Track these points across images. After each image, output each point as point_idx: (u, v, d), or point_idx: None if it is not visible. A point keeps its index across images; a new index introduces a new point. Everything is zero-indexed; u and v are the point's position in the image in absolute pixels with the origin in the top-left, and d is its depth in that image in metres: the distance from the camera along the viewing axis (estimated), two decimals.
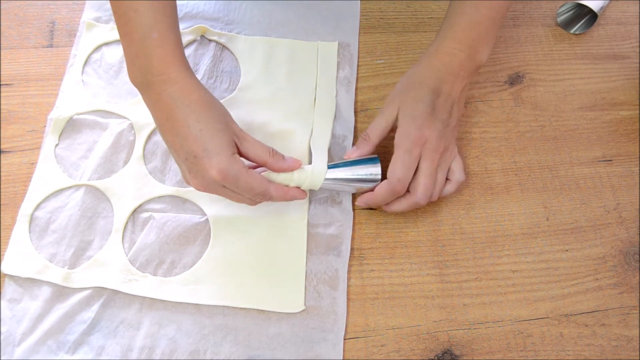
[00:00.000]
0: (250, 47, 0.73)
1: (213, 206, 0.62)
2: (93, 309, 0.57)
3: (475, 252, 0.62)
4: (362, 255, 0.61)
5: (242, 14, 0.75)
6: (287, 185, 0.57)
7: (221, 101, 0.60)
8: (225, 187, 0.53)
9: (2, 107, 0.67)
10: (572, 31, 0.77)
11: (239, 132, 0.55)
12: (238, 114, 0.62)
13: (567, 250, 0.63)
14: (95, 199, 0.62)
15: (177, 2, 0.64)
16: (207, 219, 0.62)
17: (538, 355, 0.58)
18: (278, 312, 0.58)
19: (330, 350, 0.56)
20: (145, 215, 0.62)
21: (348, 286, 0.60)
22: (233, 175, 0.51)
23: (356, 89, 0.71)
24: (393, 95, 0.62)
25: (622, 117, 0.72)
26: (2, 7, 0.74)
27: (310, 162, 0.64)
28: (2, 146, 0.65)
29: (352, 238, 0.62)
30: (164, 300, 0.58)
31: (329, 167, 0.58)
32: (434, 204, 0.64)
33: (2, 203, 0.62)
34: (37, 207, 0.61)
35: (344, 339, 0.57)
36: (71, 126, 0.66)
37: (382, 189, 0.58)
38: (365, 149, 0.60)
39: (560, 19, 0.78)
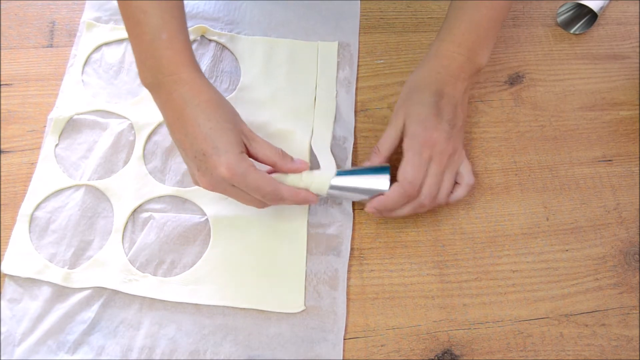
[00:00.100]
0: (250, 47, 0.73)
1: (213, 206, 0.62)
2: (93, 309, 0.57)
3: (475, 252, 0.62)
4: (362, 255, 0.61)
5: (242, 14, 0.75)
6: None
7: None
8: (234, 187, 0.53)
9: (2, 107, 0.67)
10: (572, 31, 0.77)
11: (248, 132, 0.55)
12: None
13: (567, 250, 0.63)
14: (95, 199, 0.62)
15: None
16: (207, 219, 0.62)
17: (538, 355, 0.58)
18: (278, 312, 0.58)
19: (330, 350, 0.56)
20: (145, 215, 0.62)
21: (348, 286, 0.60)
22: (241, 173, 0.51)
23: (356, 89, 0.71)
24: (398, 104, 0.62)
25: (622, 117, 0.72)
26: (2, 7, 0.74)
27: (311, 163, 0.64)
28: (2, 146, 0.65)
29: (352, 238, 0.62)
30: (164, 300, 0.58)
31: (338, 173, 0.58)
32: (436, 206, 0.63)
33: (2, 203, 0.62)
34: (37, 207, 0.61)
35: (344, 339, 0.57)
36: (71, 126, 0.66)
37: (393, 192, 0.56)
38: (376, 162, 0.59)
39: (560, 19, 0.78)
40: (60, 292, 0.58)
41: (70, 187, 0.63)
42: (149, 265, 0.59)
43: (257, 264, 0.60)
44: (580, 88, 0.73)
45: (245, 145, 0.54)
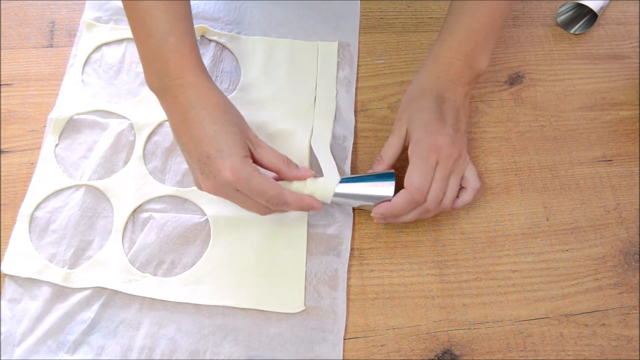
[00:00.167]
0: (251, 47, 0.73)
1: (213, 206, 0.62)
2: (93, 309, 0.57)
3: (475, 252, 0.62)
4: (362, 255, 0.61)
5: (242, 14, 0.75)
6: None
7: None
8: (238, 191, 0.52)
9: (2, 107, 0.67)
10: (572, 31, 0.77)
11: (254, 138, 0.55)
12: None
13: (567, 250, 0.63)
14: (95, 199, 0.62)
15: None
16: (207, 219, 0.62)
17: (538, 355, 0.58)
18: (278, 312, 0.58)
19: (330, 350, 0.56)
20: (145, 215, 0.62)
21: (348, 286, 0.60)
22: (245, 177, 0.51)
23: (356, 89, 0.71)
24: (400, 112, 0.61)
25: (622, 117, 0.72)
26: (2, 7, 0.74)
27: (311, 164, 0.64)
28: (2, 146, 0.65)
29: (352, 238, 0.62)
30: (164, 301, 0.58)
31: (342, 180, 0.58)
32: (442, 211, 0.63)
33: (2, 203, 0.62)
34: (37, 207, 0.61)
35: (344, 339, 0.57)
36: (71, 126, 0.66)
37: (400, 198, 0.56)
38: (377, 170, 0.59)
39: (560, 19, 0.78)
40: (60, 292, 0.57)
41: (70, 187, 0.63)
42: (149, 265, 0.59)
43: (257, 264, 0.60)
44: (580, 88, 0.73)
45: (250, 151, 0.53)
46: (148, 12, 0.52)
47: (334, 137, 0.67)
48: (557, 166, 0.68)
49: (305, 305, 0.58)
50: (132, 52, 0.71)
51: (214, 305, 0.58)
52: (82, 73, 0.70)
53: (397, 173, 0.58)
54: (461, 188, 0.60)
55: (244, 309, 0.58)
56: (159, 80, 0.54)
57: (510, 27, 0.77)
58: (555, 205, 0.65)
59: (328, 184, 0.57)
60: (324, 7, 0.76)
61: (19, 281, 0.58)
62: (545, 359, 0.57)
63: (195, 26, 0.71)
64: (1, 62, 0.70)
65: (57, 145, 0.65)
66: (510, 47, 0.76)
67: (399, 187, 0.57)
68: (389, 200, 0.57)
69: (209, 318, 0.57)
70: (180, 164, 0.65)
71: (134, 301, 0.58)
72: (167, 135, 0.65)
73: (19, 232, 0.60)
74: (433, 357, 0.57)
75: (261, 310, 0.58)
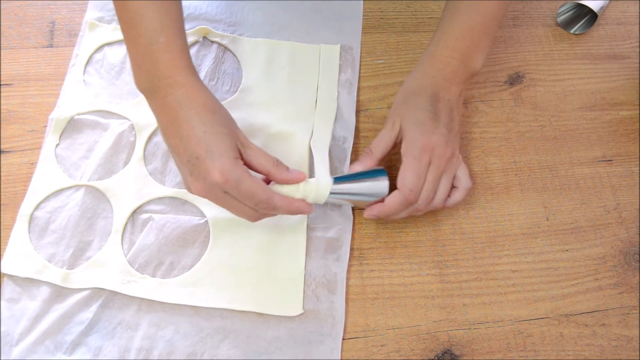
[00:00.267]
0: (253, 49, 0.72)
1: (213, 208, 0.62)
2: (91, 310, 0.57)
3: (475, 252, 0.62)
4: (362, 255, 0.61)
5: (244, 16, 0.75)
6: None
7: (223, 103, 0.59)
8: (227, 194, 0.51)
9: (2, 107, 0.67)
10: (572, 31, 0.77)
11: (244, 139, 0.54)
12: (239, 116, 0.62)
13: (567, 250, 0.63)
14: (95, 199, 0.62)
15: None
16: (206, 221, 0.62)
17: (538, 355, 0.58)
18: (276, 315, 0.58)
19: (328, 354, 0.56)
20: (144, 216, 0.62)
21: (348, 286, 0.60)
22: (235, 179, 0.50)
23: (357, 89, 0.71)
24: (393, 108, 0.61)
25: (622, 117, 0.72)
26: (2, 7, 0.74)
27: (310, 165, 0.64)
28: (2, 146, 0.65)
29: (352, 238, 0.62)
30: (163, 302, 0.58)
31: (335, 179, 0.57)
32: (434, 210, 0.63)
33: (2, 203, 0.62)
34: (37, 207, 0.61)
35: (344, 339, 0.57)
36: (72, 126, 0.66)
37: (393, 199, 0.56)
38: (368, 163, 0.59)
39: (560, 19, 0.78)
40: (59, 292, 0.57)
41: (70, 187, 0.63)
42: (147, 267, 0.59)
43: (256, 267, 0.60)
44: (580, 88, 0.73)
45: (239, 151, 0.52)
46: (138, 12, 0.51)
47: (334, 138, 0.67)
48: (557, 166, 0.68)
49: (303, 308, 0.58)
50: None
51: (212, 308, 0.58)
52: (84, 73, 0.70)
53: (385, 168, 0.58)
54: (453, 187, 0.60)
55: (243, 311, 0.58)
56: (148, 81, 0.53)
57: (510, 27, 0.77)
58: (555, 205, 0.65)
59: (321, 185, 0.56)
60: (326, 9, 0.76)
61: (17, 281, 0.58)
62: (545, 359, 0.57)
63: (197, 27, 0.72)
64: (1, 62, 0.70)
65: (57, 145, 0.65)
66: (510, 47, 0.76)
67: (390, 184, 0.57)
68: (382, 201, 0.57)
69: (207, 320, 0.57)
70: None
71: (133, 302, 0.58)
72: None
73: (19, 232, 0.60)
74: (433, 357, 0.57)
75: (259, 313, 0.58)
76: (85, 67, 0.70)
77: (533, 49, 0.76)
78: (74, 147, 0.65)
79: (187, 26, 0.72)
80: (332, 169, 0.63)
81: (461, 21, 0.60)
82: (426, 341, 0.58)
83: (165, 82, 0.52)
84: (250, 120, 0.66)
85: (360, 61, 0.73)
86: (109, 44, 0.72)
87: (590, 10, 0.76)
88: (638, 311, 0.60)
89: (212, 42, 0.73)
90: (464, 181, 0.60)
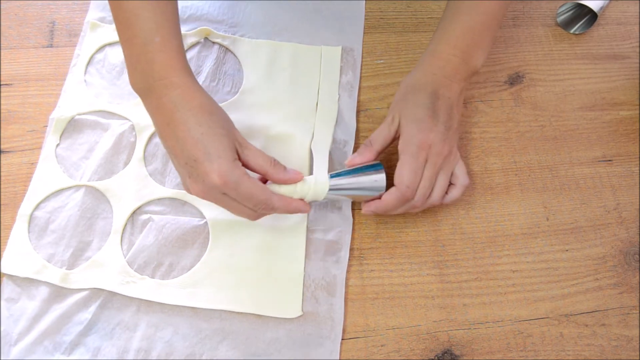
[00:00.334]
0: (254, 50, 0.72)
1: (212, 209, 0.62)
2: (90, 310, 0.57)
3: (475, 252, 0.62)
4: (362, 255, 0.61)
5: (246, 17, 0.75)
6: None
7: (223, 104, 0.60)
8: (226, 195, 0.51)
9: (2, 107, 0.67)
10: (572, 31, 0.77)
11: (241, 139, 0.54)
12: (240, 117, 0.62)
13: (567, 250, 0.63)
14: (95, 199, 0.62)
15: (182, 3, 0.63)
16: (206, 222, 0.62)
17: (538, 355, 0.58)
18: (275, 317, 0.58)
19: (327, 356, 0.56)
20: (144, 217, 0.62)
21: (348, 286, 0.60)
22: (234, 181, 0.50)
23: (358, 90, 0.71)
24: (393, 104, 0.62)
25: (622, 117, 0.72)
26: (2, 7, 0.74)
27: (311, 167, 0.64)
28: (2, 146, 0.65)
29: (352, 238, 0.62)
30: (162, 303, 0.58)
31: (331, 176, 0.57)
32: (431, 207, 0.63)
33: (2, 203, 0.62)
34: (37, 207, 0.61)
35: (344, 339, 0.57)
36: (72, 126, 0.66)
37: (390, 196, 0.56)
38: (367, 155, 0.59)
39: (560, 19, 0.78)
40: (58, 292, 0.57)
41: (70, 188, 0.63)
42: (147, 268, 0.59)
43: (256, 268, 0.60)
44: (580, 88, 0.73)
45: (237, 152, 0.52)
46: (134, 12, 0.51)
47: (334, 141, 0.67)
48: (557, 166, 0.68)
49: (302, 310, 0.58)
50: None
51: (211, 309, 0.58)
52: (85, 73, 0.70)
53: (383, 164, 0.58)
54: (450, 184, 0.60)
55: (242, 313, 0.58)
56: (144, 81, 0.53)
57: (510, 27, 0.77)
58: (555, 205, 0.65)
59: (319, 182, 0.57)
60: (328, 11, 0.76)
61: (17, 281, 0.58)
62: (545, 359, 0.57)
63: (198, 28, 0.72)
64: (1, 62, 0.70)
65: (58, 145, 0.65)
66: (510, 47, 0.76)
67: (387, 179, 0.57)
68: (379, 198, 0.57)
69: (206, 322, 0.57)
70: None
71: (132, 303, 0.58)
72: None
73: (18, 232, 0.60)
74: (433, 357, 0.57)
75: (258, 315, 0.58)
76: (86, 67, 0.70)
77: (533, 49, 0.76)
78: (74, 147, 0.65)
79: (188, 27, 0.73)
80: (333, 171, 0.63)
81: (462, 20, 0.60)
82: (426, 341, 0.58)
83: (160, 83, 0.52)
84: (250, 121, 0.66)
85: (361, 61, 0.73)
86: (110, 44, 0.72)
87: (590, 10, 0.76)
88: (638, 311, 0.60)
89: (213, 43, 0.73)
90: (461, 178, 0.60)
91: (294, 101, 0.69)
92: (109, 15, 0.74)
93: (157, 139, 0.66)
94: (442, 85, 0.59)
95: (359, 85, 0.71)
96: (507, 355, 0.57)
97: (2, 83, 0.69)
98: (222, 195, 0.51)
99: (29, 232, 0.60)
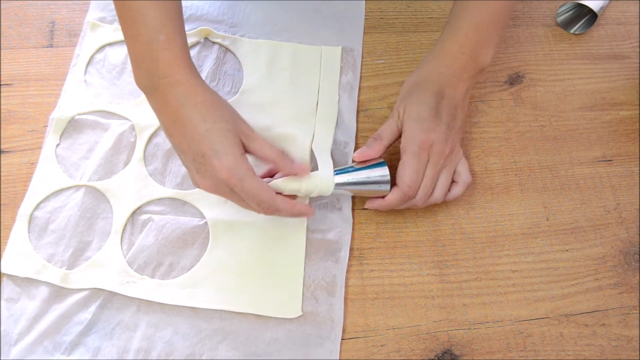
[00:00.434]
0: (254, 50, 0.72)
1: (212, 209, 0.62)
2: (90, 310, 0.57)
3: (475, 252, 0.62)
4: (362, 255, 0.61)
5: (246, 17, 0.75)
6: (295, 197, 0.57)
7: None
8: (233, 190, 0.52)
9: (2, 107, 0.67)
10: (572, 31, 0.77)
11: (248, 131, 0.54)
12: None
13: (567, 250, 0.63)
14: (95, 199, 0.62)
15: (182, 3, 0.63)
16: (206, 222, 0.62)
17: (538, 355, 0.58)
18: (275, 317, 0.57)
19: (327, 356, 0.56)
20: (144, 217, 0.62)
21: (348, 286, 0.60)
22: (240, 177, 0.50)
23: (358, 90, 0.71)
24: (399, 100, 0.62)
25: (622, 117, 0.72)
26: (2, 7, 0.74)
27: (312, 168, 0.64)
28: (2, 146, 0.65)
29: (352, 238, 0.62)
30: (162, 303, 0.58)
31: (336, 172, 0.58)
32: (433, 204, 0.64)
33: (2, 203, 0.62)
34: (37, 207, 0.61)
35: (344, 339, 0.57)
36: (73, 126, 0.66)
37: (393, 195, 0.57)
38: (376, 148, 0.59)
39: (560, 19, 0.78)
40: (58, 292, 0.57)
41: (70, 188, 0.63)
42: (147, 268, 0.59)
43: (256, 268, 0.60)
44: (580, 88, 0.73)
45: (244, 145, 0.53)
46: (139, 11, 0.52)
47: (335, 142, 0.67)
48: (557, 166, 0.68)
49: (302, 310, 0.58)
50: None
51: (211, 309, 0.58)
52: (85, 73, 0.70)
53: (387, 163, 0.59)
54: (453, 182, 0.61)
55: (242, 313, 0.58)
56: (148, 79, 0.53)
57: (510, 27, 0.77)
58: (555, 205, 0.65)
59: (325, 178, 0.57)
60: (328, 11, 0.76)
61: (17, 281, 0.58)
62: (545, 359, 0.57)
63: (198, 29, 0.72)
64: (1, 62, 0.70)
65: (58, 145, 0.65)
66: (510, 47, 0.76)
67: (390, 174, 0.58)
68: (382, 197, 0.58)
69: (206, 322, 0.57)
70: (180, 167, 0.64)
71: (132, 303, 0.58)
72: None
73: (18, 232, 0.60)
74: (433, 357, 0.57)
75: (258, 315, 0.58)
76: (86, 67, 0.70)
77: (533, 49, 0.76)
78: (74, 147, 0.65)
79: (188, 27, 0.72)
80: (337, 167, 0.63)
81: (469, 18, 0.60)
82: (426, 341, 0.58)
83: (165, 81, 0.52)
84: (250, 121, 0.65)
85: (361, 62, 0.73)
86: (110, 44, 0.72)
87: (590, 10, 0.76)
88: (638, 311, 0.60)
89: (213, 43, 0.73)
90: (464, 176, 0.60)
91: (294, 101, 0.69)
92: (109, 15, 0.74)
93: (157, 139, 0.66)
94: (448, 85, 0.59)
95: (359, 85, 0.71)
96: (507, 355, 0.57)
97: (2, 83, 0.69)
98: (230, 190, 0.52)
99: (29, 232, 0.60)
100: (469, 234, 0.63)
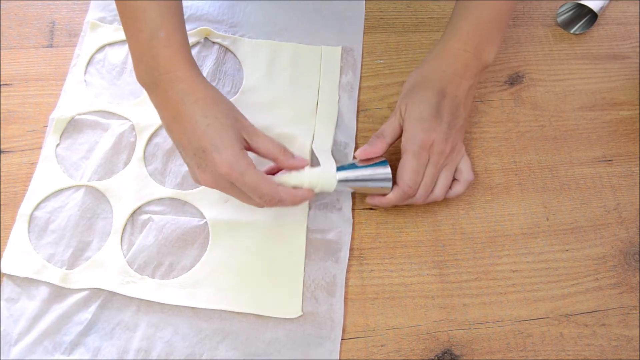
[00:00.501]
0: (254, 50, 0.72)
1: (212, 209, 0.62)
2: (90, 310, 0.57)
3: (475, 252, 0.62)
4: (362, 255, 0.61)
5: (246, 17, 0.75)
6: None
7: None
8: (234, 185, 0.52)
9: (2, 107, 0.67)
10: (572, 31, 0.77)
11: (250, 127, 0.54)
12: None
13: (567, 250, 0.63)
14: (95, 199, 0.62)
15: (182, 3, 0.63)
16: (206, 222, 0.62)
17: (538, 355, 0.58)
18: (275, 317, 0.57)
19: (327, 356, 0.56)
20: (144, 217, 0.62)
21: (348, 286, 0.60)
22: (240, 172, 0.51)
23: (358, 90, 0.71)
24: (401, 97, 0.62)
25: (622, 117, 0.72)
26: (2, 7, 0.74)
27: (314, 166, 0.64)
28: (2, 146, 0.65)
29: (352, 238, 0.62)
30: (162, 303, 0.58)
31: (338, 169, 0.58)
32: (434, 204, 0.64)
33: (2, 203, 0.62)
34: (37, 207, 0.61)
35: (344, 339, 0.57)
36: (73, 126, 0.66)
37: (394, 194, 0.58)
38: (379, 146, 0.59)
39: (560, 19, 0.78)
40: (58, 292, 0.57)
41: (70, 188, 0.63)
42: (147, 268, 0.59)
43: (256, 268, 0.60)
44: (580, 88, 0.73)
45: (246, 140, 0.53)
46: (139, 8, 0.52)
47: (335, 143, 0.67)
48: (557, 166, 0.68)
49: (302, 310, 0.58)
50: None
51: (211, 309, 0.58)
52: (85, 73, 0.70)
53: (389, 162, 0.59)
54: (455, 179, 0.61)
55: (242, 313, 0.58)
56: (149, 75, 0.53)
57: (510, 27, 0.77)
58: (555, 205, 0.65)
59: (328, 173, 0.57)
60: (328, 11, 0.76)
61: (17, 281, 0.58)
62: (545, 359, 0.57)
63: (198, 28, 0.72)
64: (1, 62, 0.70)
65: (58, 145, 0.65)
66: (510, 47, 0.76)
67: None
68: (383, 195, 0.58)
69: (206, 322, 0.57)
70: (180, 167, 0.64)
71: (132, 303, 0.58)
72: (168, 137, 0.65)
73: (18, 232, 0.60)
74: (433, 357, 0.57)
75: (258, 315, 0.58)
76: (86, 67, 0.70)
77: (533, 49, 0.76)
78: (74, 147, 0.65)
79: (188, 27, 0.72)
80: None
81: (472, 16, 0.60)
82: (426, 341, 0.58)
83: (165, 77, 0.53)
84: (250, 121, 0.66)
85: (361, 62, 0.73)
86: (110, 44, 0.72)
87: (590, 10, 0.76)
88: (638, 311, 0.60)
89: (213, 43, 0.73)
90: (465, 173, 0.61)
91: (294, 101, 0.69)
92: (109, 15, 0.74)
93: (157, 139, 0.66)
94: (451, 83, 0.59)
95: (359, 85, 0.71)
96: (507, 355, 0.57)
97: (2, 83, 0.69)
98: (231, 185, 0.52)
99: (29, 232, 0.60)
100: (469, 234, 0.63)
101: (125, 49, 0.71)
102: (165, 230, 0.61)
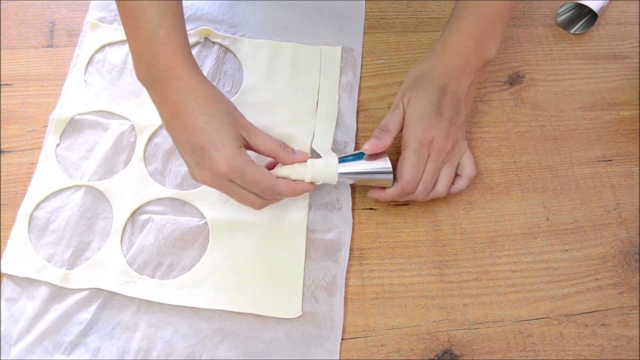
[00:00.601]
0: (254, 50, 0.72)
1: (212, 209, 0.62)
2: (90, 310, 0.57)
3: (475, 252, 0.62)
4: (362, 255, 0.61)
5: (246, 17, 0.75)
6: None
7: None
8: (232, 182, 0.52)
9: (2, 107, 0.67)
10: (572, 31, 0.77)
11: (248, 125, 0.55)
12: None
13: (567, 250, 0.63)
14: (95, 199, 0.62)
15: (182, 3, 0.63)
16: (206, 222, 0.62)
17: (538, 355, 0.58)
18: (275, 317, 0.57)
19: (327, 356, 0.56)
20: (144, 217, 0.62)
21: (348, 286, 0.60)
22: (240, 168, 0.51)
23: (358, 90, 0.71)
24: (401, 91, 0.62)
25: (622, 117, 0.72)
26: (2, 7, 0.74)
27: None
28: (2, 146, 0.65)
29: (352, 238, 0.62)
30: (162, 303, 0.58)
31: (340, 160, 0.58)
32: (434, 204, 0.64)
33: (2, 203, 0.62)
34: (37, 207, 0.61)
35: (344, 339, 0.57)
36: (73, 126, 0.66)
37: (393, 191, 0.58)
38: (386, 140, 0.58)
39: (560, 19, 0.78)
40: (58, 292, 0.57)
41: (70, 188, 0.63)
42: (147, 268, 0.59)
43: (256, 268, 0.60)
44: (580, 88, 0.73)
45: (245, 139, 0.53)
46: (139, 6, 0.52)
47: (335, 142, 0.67)
48: (557, 166, 0.68)
49: (302, 310, 0.58)
50: None
51: (211, 309, 0.58)
52: (85, 73, 0.70)
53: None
54: (457, 175, 0.61)
55: (241, 313, 0.58)
56: (149, 73, 0.54)
57: (510, 27, 0.77)
58: (555, 205, 0.65)
59: (330, 165, 0.57)
60: (328, 11, 0.76)
61: (17, 281, 0.58)
62: (545, 359, 0.57)
63: (198, 29, 0.72)
64: (1, 62, 0.70)
65: (58, 145, 0.65)
66: (510, 47, 0.76)
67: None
68: (383, 189, 0.59)
69: (206, 322, 0.57)
70: (180, 166, 0.64)
71: (132, 303, 0.58)
72: (168, 137, 0.65)
73: (18, 232, 0.60)
74: (433, 357, 0.57)
75: (258, 315, 0.58)
76: (86, 67, 0.70)
77: (533, 49, 0.76)
78: (74, 147, 0.65)
79: (188, 27, 0.71)
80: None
81: (473, 11, 0.60)
82: (426, 341, 0.58)
83: (165, 75, 0.53)
84: (251, 121, 0.66)
85: (361, 62, 0.73)
86: (110, 44, 0.72)
87: (590, 10, 0.76)
88: (638, 311, 0.60)
89: (214, 43, 0.73)
90: (467, 169, 0.61)
91: (294, 101, 0.69)
92: (109, 15, 0.74)
93: (157, 139, 0.66)
94: (452, 79, 0.59)
95: (359, 85, 0.71)
96: (507, 355, 0.57)
97: (2, 83, 0.69)
98: (229, 183, 0.52)
99: (29, 232, 0.60)
100: (469, 234, 0.63)
101: (125, 49, 0.71)
102: (165, 230, 0.61)
